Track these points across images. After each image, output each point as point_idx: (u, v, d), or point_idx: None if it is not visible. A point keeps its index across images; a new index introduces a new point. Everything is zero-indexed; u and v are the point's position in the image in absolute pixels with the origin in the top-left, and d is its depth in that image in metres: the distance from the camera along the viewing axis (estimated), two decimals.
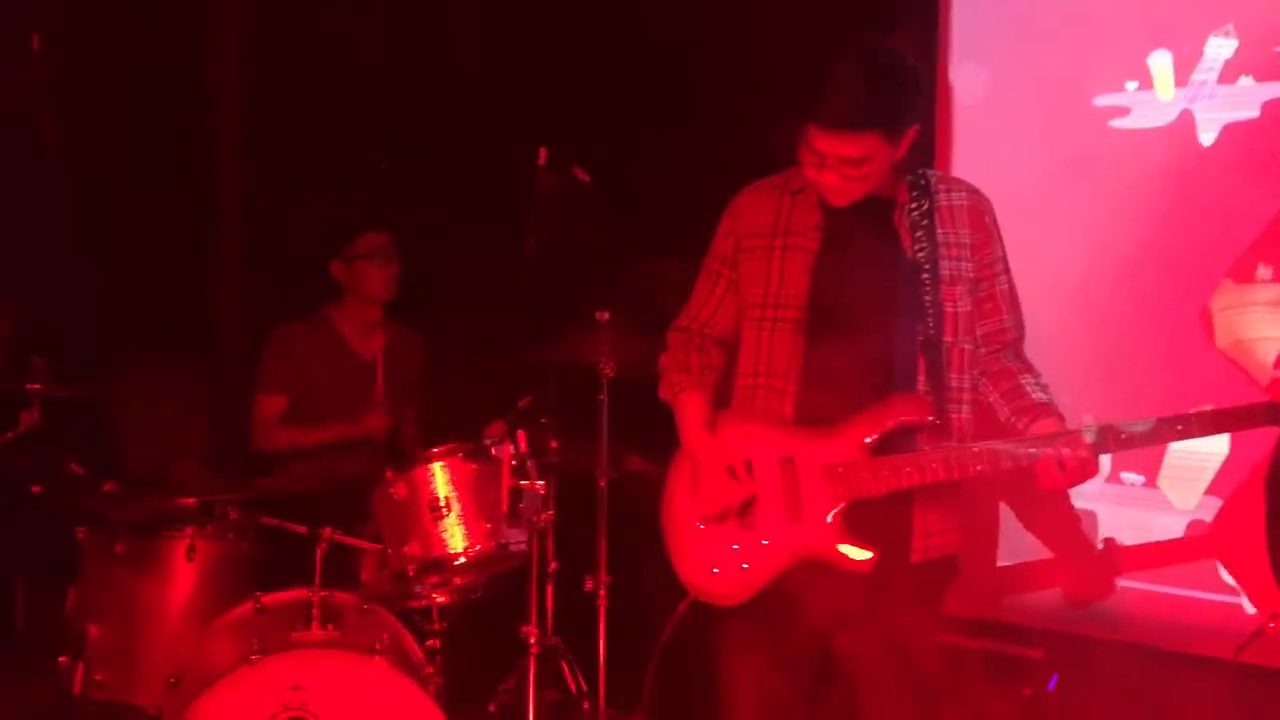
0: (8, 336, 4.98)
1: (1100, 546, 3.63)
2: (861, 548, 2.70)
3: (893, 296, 2.76)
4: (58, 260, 4.65)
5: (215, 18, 5.01)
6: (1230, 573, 3.42)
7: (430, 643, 3.58)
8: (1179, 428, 2.59)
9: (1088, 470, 2.62)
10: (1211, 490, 3.44)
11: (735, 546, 2.80)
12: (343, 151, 4.86)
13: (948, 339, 2.76)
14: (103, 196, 4.63)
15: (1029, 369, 2.84)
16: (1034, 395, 2.76)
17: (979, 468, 2.65)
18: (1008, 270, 2.86)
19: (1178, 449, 3.44)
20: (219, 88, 5.09)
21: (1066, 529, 3.66)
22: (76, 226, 4.71)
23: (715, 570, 2.82)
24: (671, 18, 4.49)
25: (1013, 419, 2.76)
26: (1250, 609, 3.36)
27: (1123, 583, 3.62)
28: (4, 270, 4.74)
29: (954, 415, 2.77)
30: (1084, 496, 3.61)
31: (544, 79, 4.62)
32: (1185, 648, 3.46)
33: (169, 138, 4.82)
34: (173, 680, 3.31)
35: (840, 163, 2.66)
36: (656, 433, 3.03)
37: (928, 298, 2.74)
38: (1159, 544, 3.52)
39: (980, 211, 2.83)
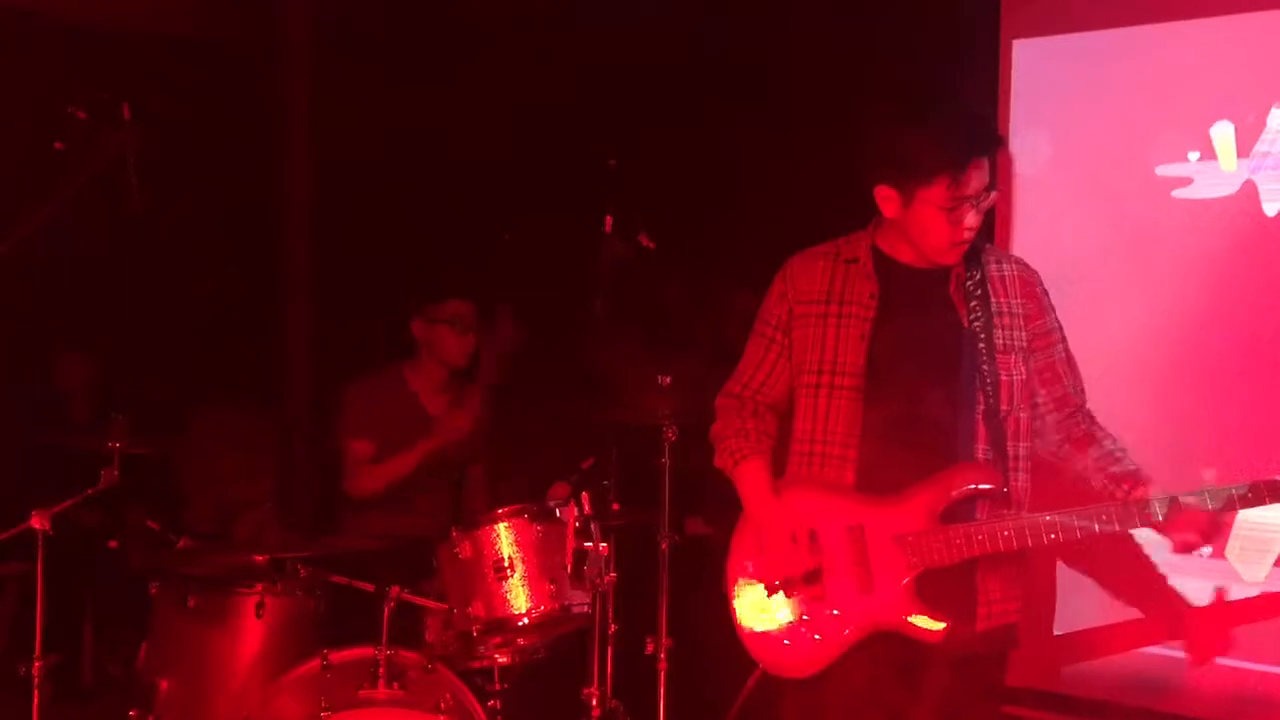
0: (91, 392, 5.12)
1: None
2: (933, 617, 2.71)
3: (952, 365, 2.78)
4: (136, 318, 4.78)
5: (289, 81, 5.15)
6: None
7: (492, 703, 3.61)
8: (1266, 495, 2.59)
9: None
10: None
11: (805, 617, 2.79)
12: (409, 213, 4.96)
13: (1004, 408, 2.77)
14: (179, 258, 4.77)
15: (1108, 433, 2.85)
16: (1127, 463, 2.77)
17: (1052, 536, 2.66)
18: (1065, 338, 2.90)
19: (1247, 521, 3.40)
20: (291, 147, 5.22)
21: (1159, 587, 3.60)
22: (155, 286, 4.85)
23: (786, 642, 2.81)
24: (733, 84, 4.57)
25: (1110, 486, 2.76)
26: None
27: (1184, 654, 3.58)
28: (88, 327, 4.88)
29: (1014, 483, 2.78)
30: None
31: (612, 144, 4.70)
32: None
33: (242, 199, 4.96)
34: None
35: (983, 195, 2.71)
36: (718, 497, 3.04)
37: (985, 367, 2.76)
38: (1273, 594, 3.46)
39: (1031, 283, 2.88)
